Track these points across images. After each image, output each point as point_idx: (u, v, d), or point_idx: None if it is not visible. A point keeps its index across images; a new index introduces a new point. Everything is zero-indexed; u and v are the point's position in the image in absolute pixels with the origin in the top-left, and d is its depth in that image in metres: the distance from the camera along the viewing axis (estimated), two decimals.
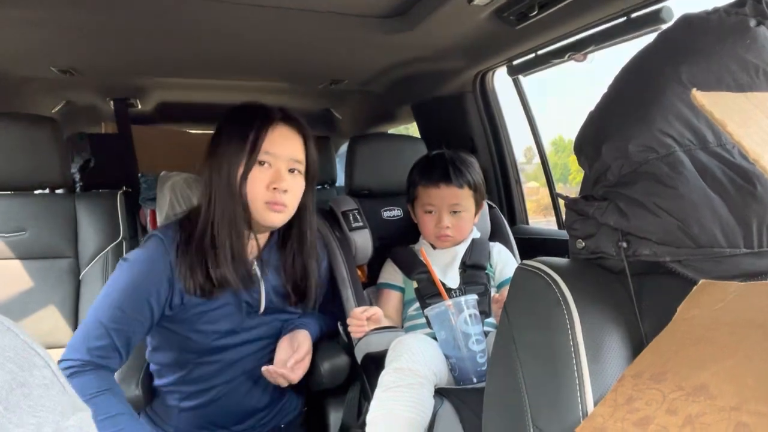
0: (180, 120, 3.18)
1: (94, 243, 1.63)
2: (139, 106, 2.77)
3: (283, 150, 1.17)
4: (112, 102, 2.61)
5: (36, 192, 1.69)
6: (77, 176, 2.58)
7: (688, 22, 0.61)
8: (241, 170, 1.14)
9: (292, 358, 1.23)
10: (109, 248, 1.63)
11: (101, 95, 2.56)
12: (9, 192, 1.64)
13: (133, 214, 1.79)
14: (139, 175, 2.55)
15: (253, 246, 1.26)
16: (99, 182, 2.49)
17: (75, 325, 1.59)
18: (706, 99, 0.45)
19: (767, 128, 0.45)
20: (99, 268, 1.62)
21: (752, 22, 0.59)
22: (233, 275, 1.17)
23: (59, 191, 1.70)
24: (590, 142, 0.65)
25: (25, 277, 1.58)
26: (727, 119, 0.42)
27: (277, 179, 1.15)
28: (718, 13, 0.59)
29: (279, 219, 1.20)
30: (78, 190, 2.53)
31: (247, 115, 1.19)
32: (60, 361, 1.06)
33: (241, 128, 1.16)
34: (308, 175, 1.25)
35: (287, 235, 1.30)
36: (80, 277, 1.63)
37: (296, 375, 1.22)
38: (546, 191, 2.12)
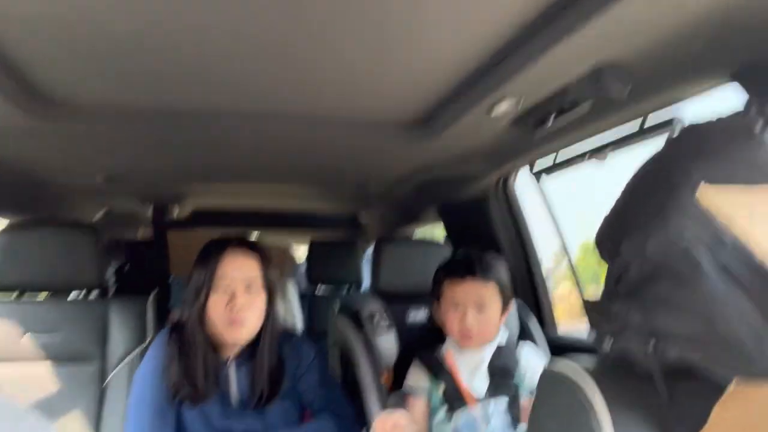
0: (214, 224, 3.30)
1: (122, 346, 1.64)
2: (177, 212, 2.90)
3: (237, 273, 1.32)
4: (150, 208, 2.74)
5: (70, 297, 1.74)
6: (112, 279, 2.65)
7: (692, 129, 0.64)
8: (203, 298, 1.30)
9: None
10: (135, 352, 1.64)
11: (140, 202, 2.69)
12: (45, 294, 1.70)
13: (163, 317, 1.81)
14: (171, 277, 2.61)
15: (229, 353, 1.37)
16: (132, 286, 2.55)
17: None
18: (712, 197, 0.46)
19: None
20: (124, 375, 1.61)
21: (757, 127, 0.61)
22: (203, 388, 1.30)
23: (93, 295, 1.75)
24: (609, 240, 0.66)
25: (54, 380, 1.59)
26: (733, 217, 0.43)
27: (232, 299, 1.30)
28: (722, 120, 0.62)
29: (241, 334, 1.32)
30: (111, 293, 2.59)
31: (207, 250, 1.38)
32: None
33: (202, 262, 1.35)
34: (268, 289, 1.37)
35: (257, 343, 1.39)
36: (104, 384, 1.62)
37: None
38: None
